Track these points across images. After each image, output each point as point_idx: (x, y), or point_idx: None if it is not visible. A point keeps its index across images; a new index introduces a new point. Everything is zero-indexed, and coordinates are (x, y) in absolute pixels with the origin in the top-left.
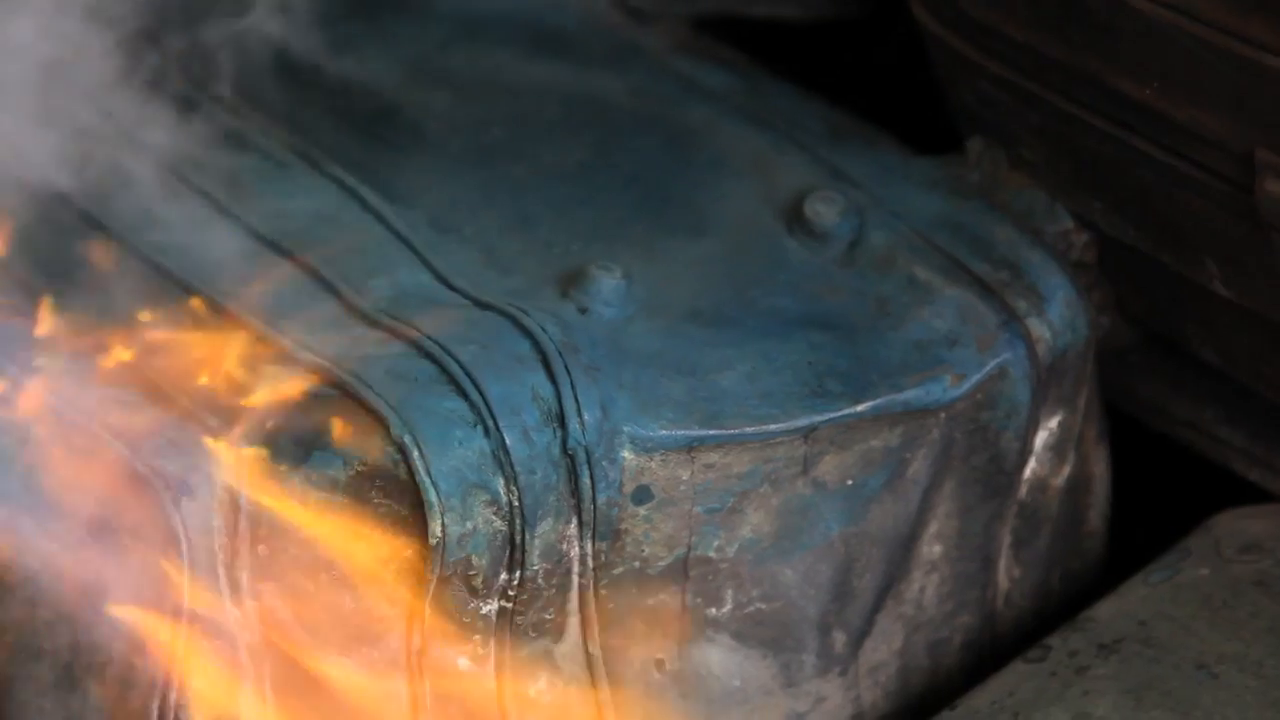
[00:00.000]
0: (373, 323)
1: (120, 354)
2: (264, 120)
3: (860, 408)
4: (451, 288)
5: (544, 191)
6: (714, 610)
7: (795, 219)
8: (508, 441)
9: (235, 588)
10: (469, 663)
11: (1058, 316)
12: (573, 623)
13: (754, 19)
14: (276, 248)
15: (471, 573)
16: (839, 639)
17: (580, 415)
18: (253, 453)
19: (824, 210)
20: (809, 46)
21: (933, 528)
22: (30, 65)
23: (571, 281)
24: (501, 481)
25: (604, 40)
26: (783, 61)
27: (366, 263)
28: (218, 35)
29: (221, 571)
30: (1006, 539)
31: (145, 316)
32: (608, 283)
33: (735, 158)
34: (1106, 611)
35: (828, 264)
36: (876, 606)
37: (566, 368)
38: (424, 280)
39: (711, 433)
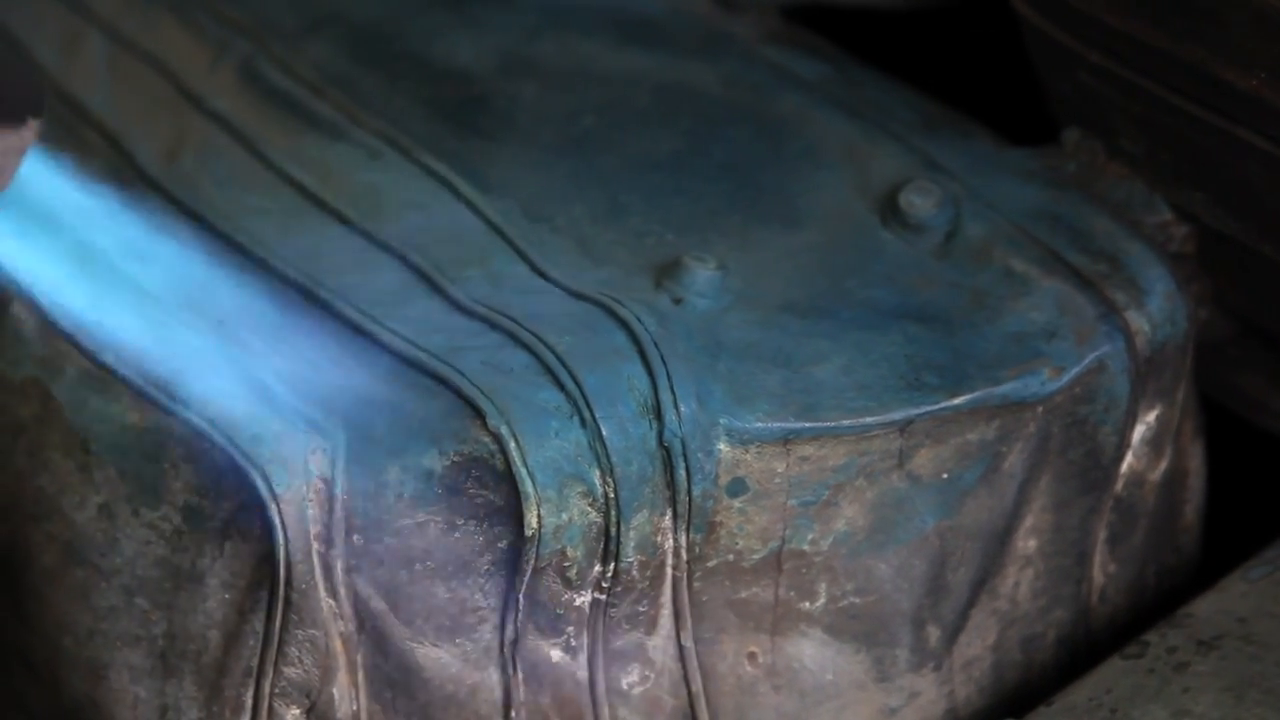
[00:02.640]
0: (468, 313)
1: None
2: (355, 109)
3: (957, 401)
4: (546, 278)
5: (636, 181)
6: (807, 604)
7: (890, 210)
8: (604, 433)
9: (329, 578)
10: (561, 654)
11: (1157, 309)
12: (666, 615)
13: (844, 8)
14: (369, 237)
15: (566, 564)
16: (933, 634)
17: (677, 407)
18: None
19: (919, 201)
20: (900, 35)
21: (1028, 522)
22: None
23: (666, 272)
24: (597, 473)
25: (694, 29)
26: (873, 51)
27: (460, 252)
28: (307, 23)
29: (316, 561)
30: (1102, 534)
31: None
32: (702, 273)
33: (828, 148)
34: (1205, 608)
35: (923, 255)
36: (971, 601)
37: (663, 359)
38: (519, 270)
39: (807, 425)
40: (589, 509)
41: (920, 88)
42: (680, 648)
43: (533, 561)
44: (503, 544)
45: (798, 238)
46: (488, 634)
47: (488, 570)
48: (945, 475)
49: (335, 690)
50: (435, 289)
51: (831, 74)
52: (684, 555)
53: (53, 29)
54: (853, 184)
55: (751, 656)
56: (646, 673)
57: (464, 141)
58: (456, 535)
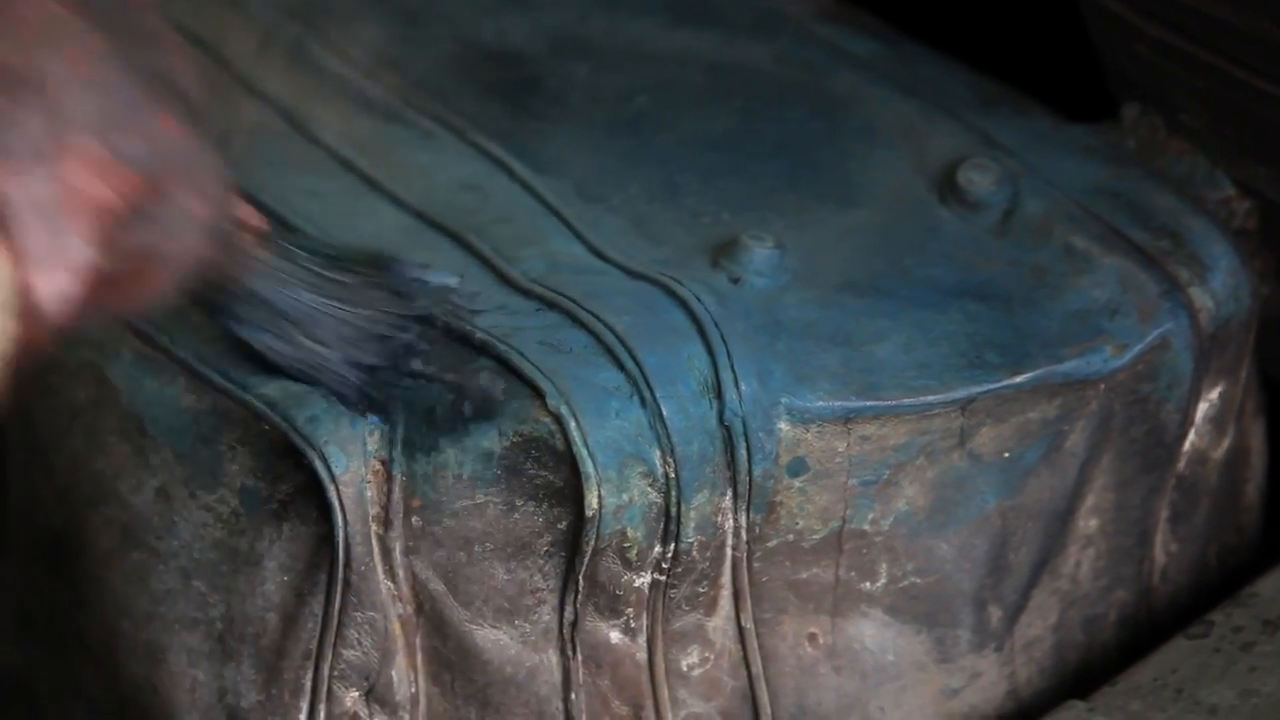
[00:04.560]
0: (525, 293)
1: None
2: (407, 90)
3: (1019, 379)
4: (603, 258)
5: (691, 161)
6: (868, 584)
7: (948, 188)
8: (665, 413)
9: (387, 559)
10: (621, 635)
11: (1220, 285)
12: (725, 596)
13: None
14: (425, 218)
15: (626, 545)
16: (994, 614)
17: (737, 386)
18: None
19: (978, 179)
20: (953, 11)
21: (1090, 501)
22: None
23: (723, 251)
24: (658, 453)
25: (746, 8)
26: (925, 28)
27: (517, 233)
28: (357, 4)
29: (375, 543)
30: (1164, 513)
31: None
32: (760, 252)
33: (884, 126)
34: (1271, 587)
35: (982, 233)
36: (1032, 581)
37: (723, 338)
38: (576, 250)
39: (868, 404)
40: (649, 489)
41: (975, 65)
42: (740, 629)
43: (593, 542)
44: (562, 525)
45: (855, 216)
46: (547, 615)
47: (547, 551)
48: (1007, 454)
49: (394, 672)
50: (491, 269)
51: (885, 52)
52: (744, 535)
53: None
54: (910, 162)
55: (812, 637)
56: (706, 654)
57: (518, 122)
58: (516, 516)
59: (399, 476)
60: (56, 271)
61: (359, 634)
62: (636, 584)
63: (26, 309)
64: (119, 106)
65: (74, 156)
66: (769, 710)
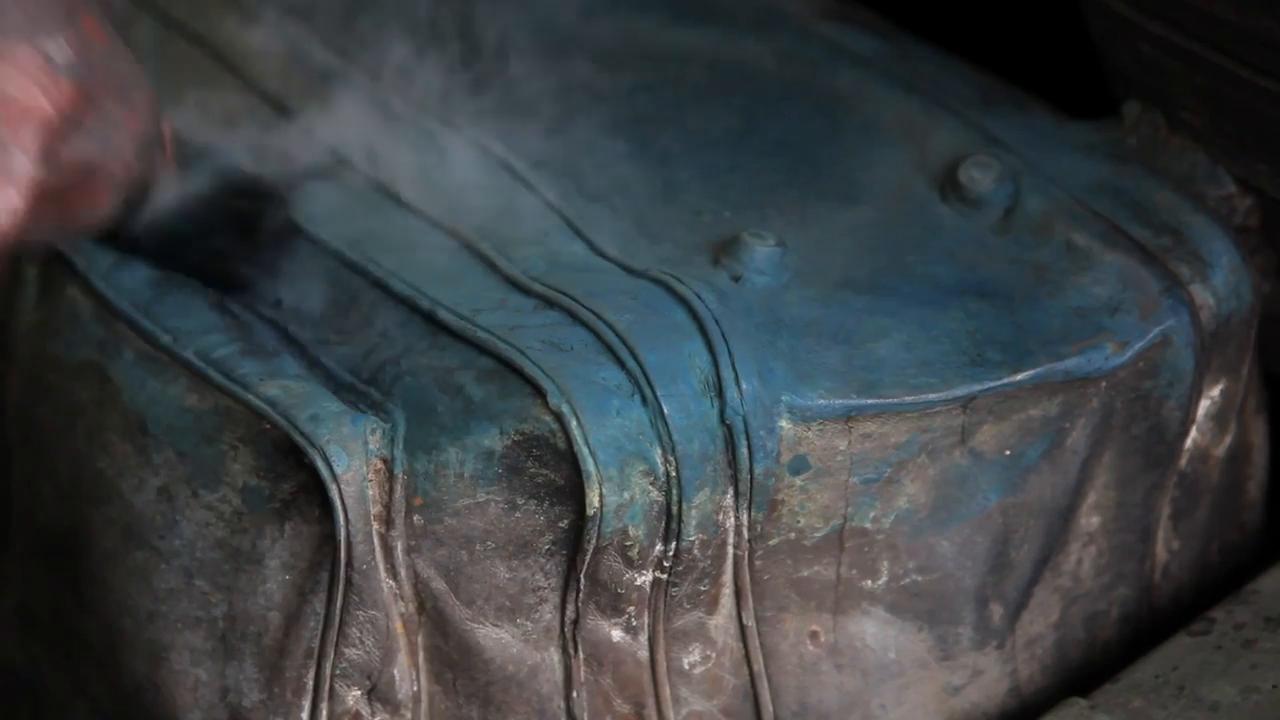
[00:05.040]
0: (526, 291)
1: None
2: (408, 89)
3: (1020, 377)
4: (604, 256)
5: (692, 159)
6: (869, 582)
7: (949, 185)
8: (666, 411)
9: (389, 558)
10: (623, 634)
11: (1222, 283)
12: (727, 594)
13: None
14: (424, 216)
15: (628, 543)
16: (996, 611)
17: (739, 384)
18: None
19: (979, 176)
20: (954, 9)
21: (1091, 499)
22: None
23: (724, 249)
24: (659, 451)
25: (747, 6)
26: (926, 26)
27: (518, 232)
28: (357, 3)
29: (376, 542)
30: (1165, 510)
31: None
32: (761, 250)
33: (885, 123)
34: (1272, 584)
35: (983, 231)
36: (1034, 579)
37: (724, 336)
38: (577, 249)
39: (869, 402)
40: (650, 488)
41: (975, 63)
42: (742, 627)
43: (594, 541)
44: (564, 523)
45: (856, 214)
46: (548, 614)
47: (549, 550)
48: (1008, 451)
49: (396, 671)
50: (492, 267)
51: (886, 49)
52: (745, 534)
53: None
54: (911, 160)
55: (813, 635)
56: (708, 652)
57: (518, 121)
58: (517, 515)
59: (400, 475)
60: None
61: (361, 633)
62: (638, 582)
63: None
64: (48, 12)
65: (8, 64)
66: (770, 708)
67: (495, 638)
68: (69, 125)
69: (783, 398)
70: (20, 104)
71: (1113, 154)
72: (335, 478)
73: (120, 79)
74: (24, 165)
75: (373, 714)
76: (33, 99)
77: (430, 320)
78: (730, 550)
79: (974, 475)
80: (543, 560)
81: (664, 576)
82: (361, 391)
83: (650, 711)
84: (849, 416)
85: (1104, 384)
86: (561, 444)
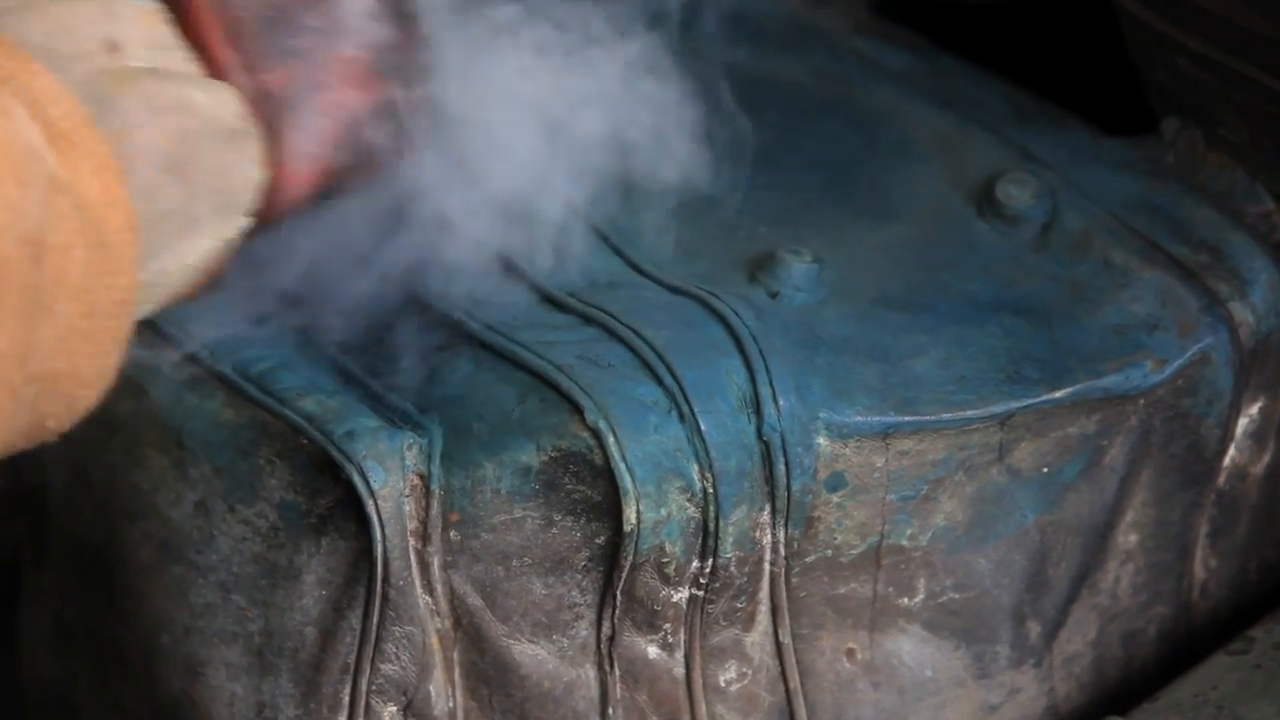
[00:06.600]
0: (564, 308)
1: None
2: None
3: (1058, 394)
4: (640, 272)
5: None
6: (906, 600)
7: (986, 202)
8: (703, 428)
9: (425, 574)
10: (659, 651)
11: (1261, 300)
12: (763, 611)
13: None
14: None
15: (664, 560)
16: (1033, 629)
17: (776, 401)
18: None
19: (1016, 193)
20: (990, 26)
21: (1129, 516)
22: None
23: (761, 266)
24: (696, 468)
25: (783, 22)
26: (963, 42)
27: (554, 248)
28: None
29: (413, 557)
30: (1204, 528)
31: None
32: (799, 267)
33: (921, 140)
34: None
35: (1020, 248)
36: (1071, 597)
37: (761, 352)
38: (614, 265)
39: (907, 419)
40: (687, 504)
41: (1013, 79)
42: (778, 644)
43: (630, 557)
44: (600, 540)
45: (892, 231)
46: (584, 630)
47: (585, 566)
48: (1045, 469)
49: (432, 687)
50: (528, 284)
51: (922, 66)
52: (782, 551)
53: None
54: (947, 176)
55: (850, 653)
56: (744, 669)
57: None
58: (554, 531)
59: (437, 491)
60: (301, 168)
61: (397, 648)
62: (674, 599)
63: (263, 200)
64: (369, 7)
65: (337, 64)
66: None
67: (531, 654)
68: (372, 116)
69: (820, 414)
70: (336, 96)
71: (1151, 171)
72: (372, 493)
73: (418, 73)
74: (330, 154)
75: None
76: (347, 93)
77: (467, 336)
78: (767, 567)
79: (1011, 493)
80: (579, 576)
81: (700, 593)
82: (398, 407)
83: None
84: (886, 433)
85: (1142, 402)
86: (599, 460)
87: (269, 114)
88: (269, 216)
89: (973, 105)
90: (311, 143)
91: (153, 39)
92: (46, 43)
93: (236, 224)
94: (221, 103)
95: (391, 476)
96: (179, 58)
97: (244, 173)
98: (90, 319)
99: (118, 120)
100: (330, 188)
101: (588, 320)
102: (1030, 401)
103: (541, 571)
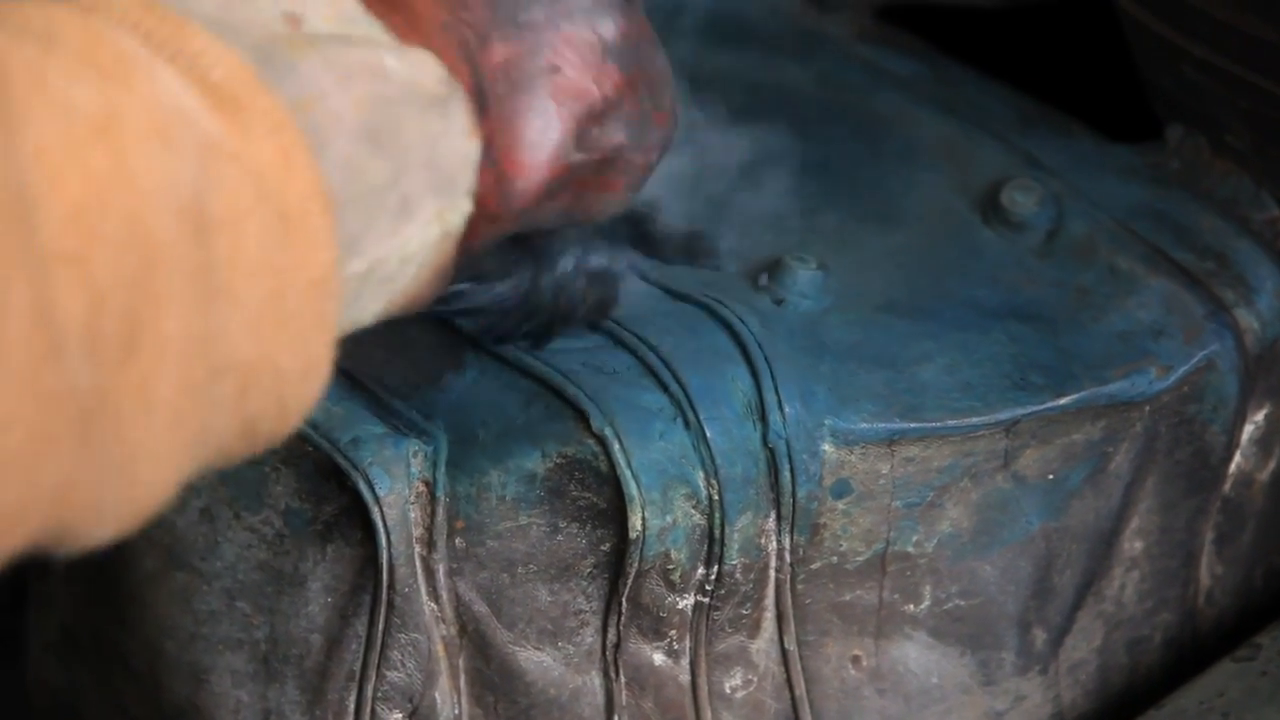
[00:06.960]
0: None
1: None
2: None
3: (1063, 401)
4: (645, 278)
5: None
6: (911, 607)
7: (991, 208)
8: (709, 434)
9: (431, 581)
10: (664, 658)
11: (1266, 307)
12: (769, 618)
13: (939, 5)
14: None
15: (670, 567)
16: (1039, 636)
17: (781, 408)
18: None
19: (1022, 199)
20: (995, 32)
21: (1134, 523)
22: None
23: (766, 272)
24: (701, 475)
25: (787, 28)
26: (967, 49)
27: None
28: None
29: (418, 564)
30: (1209, 535)
31: None
32: (804, 273)
33: (926, 146)
34: None
35: (1025, 254)
36: (1077, 604)
37: (766, 359)
38: None
39: (912, 425)
40: (693, 511)
41: (1017, 86)
42: (783, 651)
43: (636, 564)
44: (605, 547)
45: (897, 237)
46: (590, 637)
47: (590, 573)
48: (1051, 476)
49: (437, 694)
50: None
51: (926, 72)
52: (788, 557)
53: None
54: (952, 183)
55: (855, 660)
56: (749, 676)
57: None
58: (559, 538)
59: (442, 498)
60: (534, 155)
61: (402, 655)
62: (680, 606)
63: (487, 190)
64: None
65: (569, 45)
66: None
67: (537, 661)
68: (608, 109)
69: (825, 421)
70: (570, 81)
71: (1156, 178)
72: (377, 500)
73: (657, 75)
74: (560, 141)
75: None
76: (582, 78)
77: (472, 343)
78: (772, 574)
79: (1017, 499)
80: (584, 583)
81: (706, 600)
82: (403, 414)
83: None
84: (892, 440)
85: (1147, 408)
86: (604, 467)
87: (497, 92)
88: (498, 214)
89: (977, 111)
90: (548, 130)
91: (338, 12)
92: (217, 14)
93: (459, 208)
94: (419, 66)
95: (397, 483)
96: (367, 26)
97: (455, 145)
98: (279, 300)
99: (298, 87)
100: (562, 196)
101: (592, 328)
102: (1036, 408)
103: (547, 578)
